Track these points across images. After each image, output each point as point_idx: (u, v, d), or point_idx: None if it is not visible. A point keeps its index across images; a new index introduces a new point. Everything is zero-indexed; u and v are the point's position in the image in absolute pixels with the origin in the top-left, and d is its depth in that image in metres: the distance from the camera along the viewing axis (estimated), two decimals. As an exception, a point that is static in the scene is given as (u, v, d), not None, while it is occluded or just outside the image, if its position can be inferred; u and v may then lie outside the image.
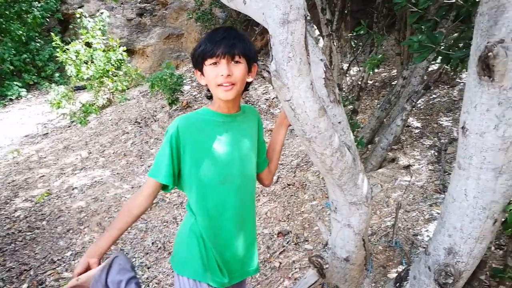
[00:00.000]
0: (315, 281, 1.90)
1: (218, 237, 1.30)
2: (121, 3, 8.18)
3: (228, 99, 1.23)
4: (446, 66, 2.69)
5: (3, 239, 3.31)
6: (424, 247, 2.26)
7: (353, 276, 1.81)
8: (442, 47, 1.84)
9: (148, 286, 2.61)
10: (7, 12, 7.90)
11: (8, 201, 4.00)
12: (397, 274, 1.69)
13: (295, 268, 2.48)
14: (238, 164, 1.30)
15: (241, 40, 1.21)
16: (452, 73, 4.13)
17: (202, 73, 1.24)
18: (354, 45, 5.17)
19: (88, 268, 1.21)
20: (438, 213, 2.51)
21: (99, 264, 1.22)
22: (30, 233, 3.39)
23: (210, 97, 1.33)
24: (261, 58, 6.95)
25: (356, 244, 1.74)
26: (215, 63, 1.18)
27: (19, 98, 7.92)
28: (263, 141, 1.45)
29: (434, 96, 4.21)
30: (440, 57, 1.90)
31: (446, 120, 3.69)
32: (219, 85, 1.19)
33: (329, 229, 2.02)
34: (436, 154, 3.17)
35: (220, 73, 1.17)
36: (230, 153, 1.28)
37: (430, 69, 3.54)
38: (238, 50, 1.19)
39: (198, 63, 1.23)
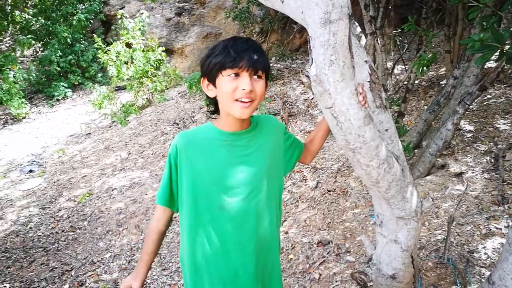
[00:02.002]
0: (360, 301, 1.77)
1: (223, 271, 1.20)
2: (160, 3, 8.29)
3: (244, 118, 1.10)
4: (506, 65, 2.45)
5: (47, 238, 3.42)
6: (482, 266, 2.06)
7: (402, 297, 1.67)
8: (508, 47, 1.64)
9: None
10: (53, 15, 8.25)
11: (53, 200, 4.14)
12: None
13: (336, 281, 2.35)
14: (242, 188, 1.16)
15: (263, 54, 1.10)
16: (510, 71, 3.79)
17: (213, 84, 1.12)
18: (398, 42, 4.90)
19: None
20: (497, 228, 2.28)
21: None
22: (72, 233, 3.47)
23: (213, 112, 1.22)
24: (300, 57, 6.79)
25: (403, 261, 1.61)
26: (235, 75, 1.06)
27: (65, 98, 8.26)
28: (291, 141, 1.33)
29: (488, 96, 3.88)
30: (504, 58, 1.69)
31: (504, 123, 3.37)
32: (236, 100, 1.07)
33: (372, 241, 1.87)
34: (492, 161, 2.90)
35: (240, 87, 1.05)
36: (231, 176, 1.15)
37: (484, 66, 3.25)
38: (261, 65, 1.08)
39: (211, 72, 1.10)
